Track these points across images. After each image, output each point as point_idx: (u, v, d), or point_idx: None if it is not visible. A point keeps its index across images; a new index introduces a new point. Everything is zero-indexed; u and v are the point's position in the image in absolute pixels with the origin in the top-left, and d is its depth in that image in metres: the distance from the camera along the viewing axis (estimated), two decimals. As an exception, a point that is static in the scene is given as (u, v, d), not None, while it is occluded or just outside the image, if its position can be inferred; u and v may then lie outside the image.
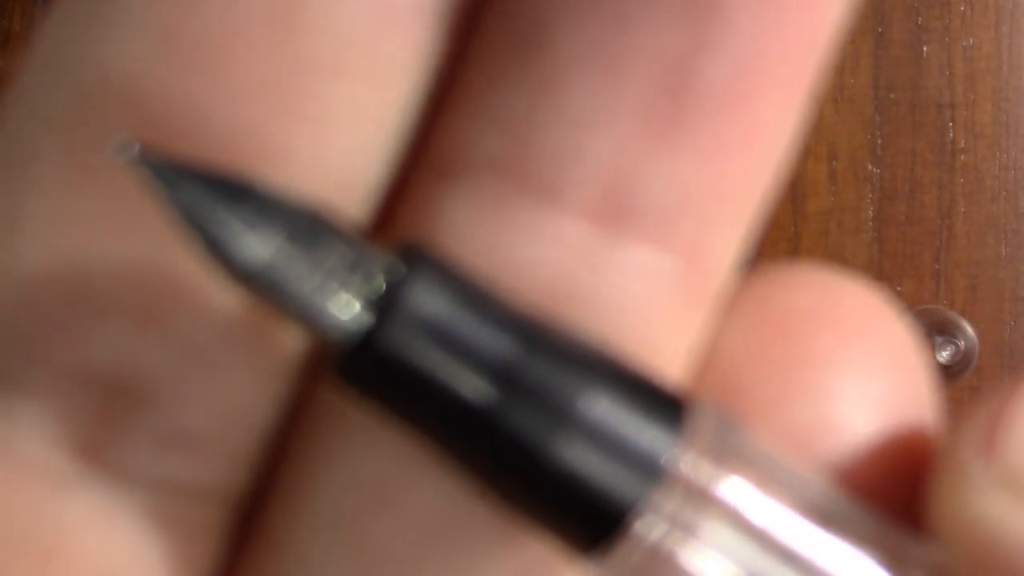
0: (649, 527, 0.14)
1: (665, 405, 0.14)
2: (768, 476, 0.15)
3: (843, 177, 0.47)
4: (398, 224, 0.15)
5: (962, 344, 0.50)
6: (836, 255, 0.51)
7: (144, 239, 0.14)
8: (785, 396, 0.15)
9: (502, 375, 0.14)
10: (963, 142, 0.48)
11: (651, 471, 0.14)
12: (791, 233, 0.50)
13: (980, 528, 0.14)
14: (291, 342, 0.15)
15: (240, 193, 0.13)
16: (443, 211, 0.15)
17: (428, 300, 0.14)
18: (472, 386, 0.14)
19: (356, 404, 0.15)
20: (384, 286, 0.14)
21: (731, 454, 0.14)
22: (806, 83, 0.14)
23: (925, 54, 0.48)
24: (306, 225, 0.14)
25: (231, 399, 0.14)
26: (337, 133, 0.14)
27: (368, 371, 0.14)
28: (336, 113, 0.14)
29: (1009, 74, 0.50)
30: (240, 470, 0.15)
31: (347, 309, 0.14)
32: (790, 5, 0.14)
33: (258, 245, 0.13)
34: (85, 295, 0.14)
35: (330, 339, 0.14)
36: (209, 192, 0.13)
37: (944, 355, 0.51)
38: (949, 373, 0.51)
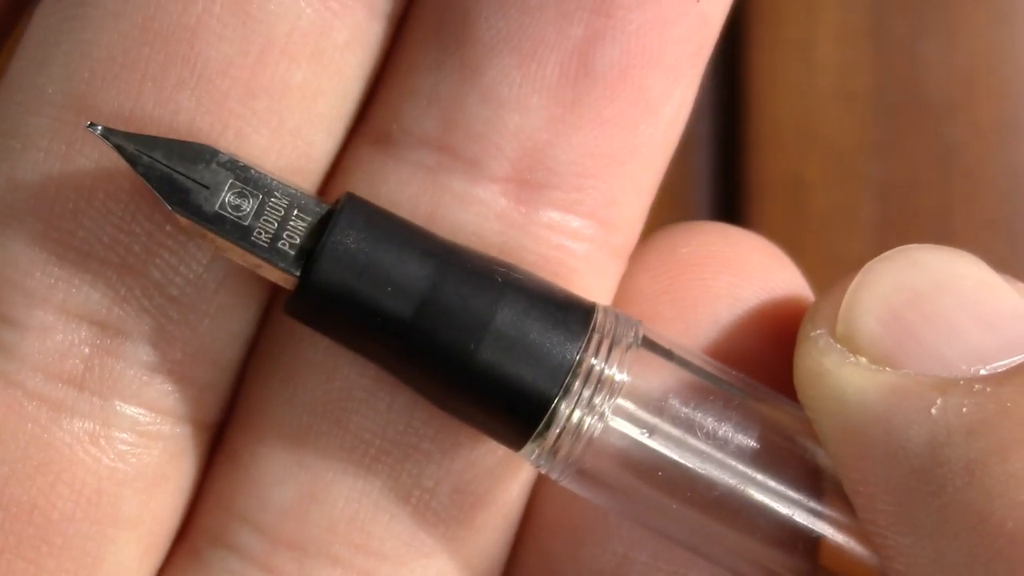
0: (567, 413, 0.17)
1: (572, 308, 0.17)
2: (666, 361, 0.17)
3: (843, 177, 0.47)
4: (340, 189, 0.17)
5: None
6: (836, 255, 0.51)
7: (122, 205, 0.16)
8: (687, 328, 0.18)
9: (424, 295, 0.16)
10: (963, 142, 0.48)
11: (564, 363, 0.16)
12: (791, 233, 0.50)
13: (820, 378, 0.17)
14: (254, 288, 0.17)
15: (191, 157, 0.16)
16: (382, 179, 0.17)
17: (355, 237, 0.16)
18: (398, 307, 0.16)
19: (306, 333, 0.17)
20: (318, 223, 0.16)
21: (631, 344, 0.17)
22: (692, 66, 0.17)
23: (925, 54, 0.48)
24: (248, 180, 0.16)
25: (202, 337, 0.17)
26: (292, 111, 0.17)
27: (309, 304, 0.17)
28: (291, 92, 0.16)
29: (1009, 74, 0.50)
30: (212, 397, 0.17)
31: (285, 251, 0.16)
32: (676, 2, 0.17)
33: (206, 200, 0.16)
34: (76, 249, 0.16)
35: (277, 272, 0.16)
36: (166, 158, 0.16)
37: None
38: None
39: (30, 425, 0.16)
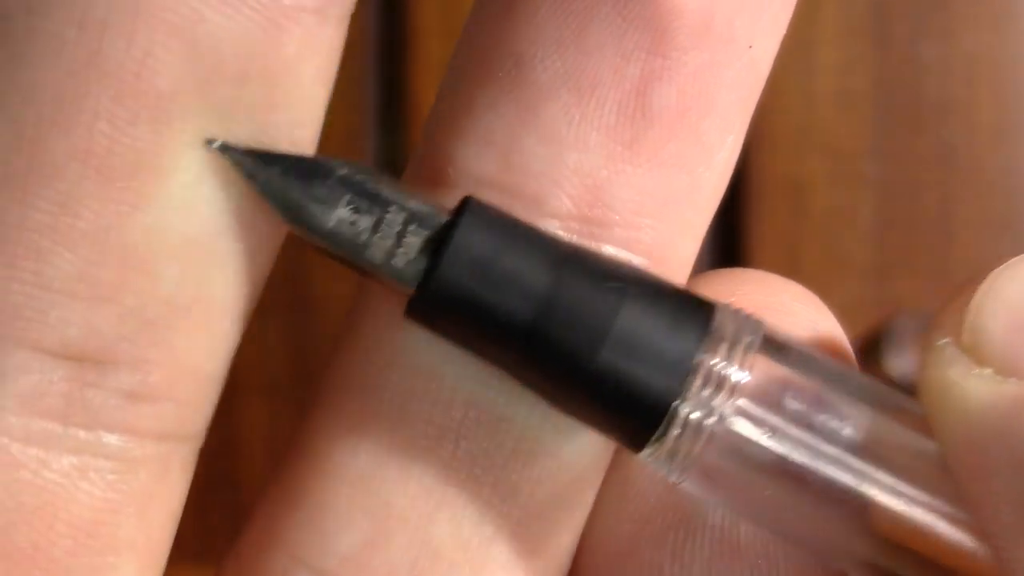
0: (686, 414, 0.16)
1: (692, 308, 0.17)
2: (786, 360, 0.17)
3: (843, 177, 0.47)
4: None
5: (962, 344, 0.50)
6: (836, 255, 0.51)
7: (88, 238, 0.16)
8: None
9: (545, 298, 0.16)
10: (963, 142, 0.48)
11: (683, 365, 0.16)
12: (791, 233, 0.50)
13: (945, 389, 0.17)
14: (230, 298, 0.17)
15: (309, 172, 0.16)
16: None
17: (473, 241, 0.16)
18: (520, 311, 0.16)
19: (371, 383, 0.17)
20: (436, 234, 0.16)
21: (752, 344, 0.17)
22: (743, 112, 0.18)
23: (925, 54, 0.48)
24: (365, 194, 0.16)
25: (180, 355, 0.17)
26: (242, 128, 0.16)
27: (429, 309, 0.17)
28: (243, 108, 0.16)
29: (1009, 74, 0.50)
30: (194, 412, 0.17)
31: (406, 257, 0.16)
32: (728, 46, 0.17)
33: (322, 216, 0.16)
34: (44, 287, 0.16)
35: (394, 286, 0.17)
36: (283, 173, 0.16)
37: (944, 355, 0.51)
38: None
39: (21, 472, 0.16)
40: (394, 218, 0.16)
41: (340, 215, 0.16)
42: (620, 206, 0.17)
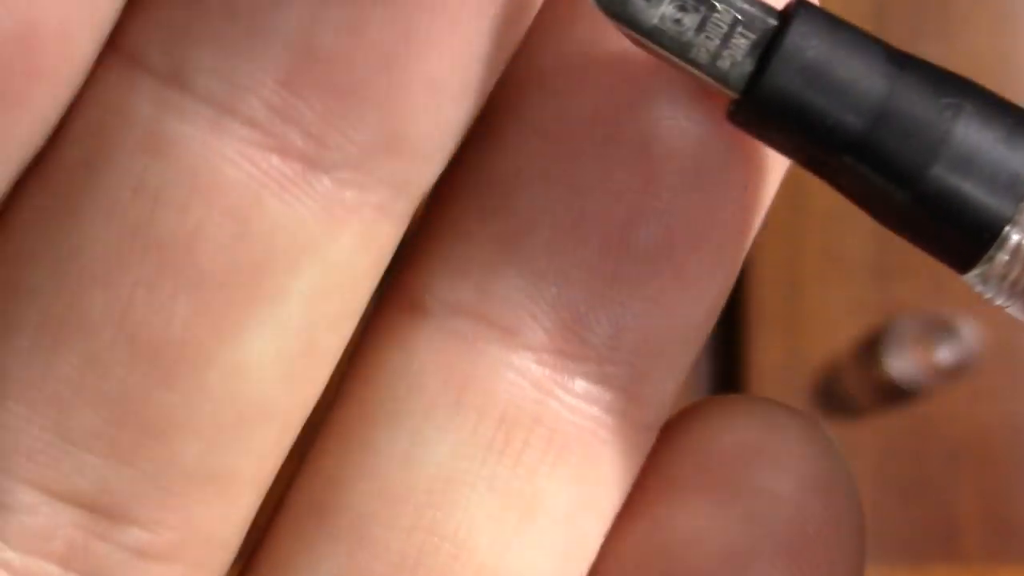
0: (1020, 241, 0.16)
1: None
2: None
3: (843, 177, 0.47)
4: (367, 355, 0.17)
5: (962, 344, 0.50)
6: (836, 255, 0.51)
7: (111, 398, 0.16)
8: (717, 523, 0.18)
9: (879, 109, 0.16)
10: (963, 142, 0.48)
11: (1020, 189, 0.16)
12: (791, 233, 0.50)
13: None
14: (258, 472, 0.17)
15: None
16: (415, 347, 0.17)
17: (805, 45, 0.16)
18: (851, 119, 0.16)
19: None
20: (763, 37, 0.16)
21: None
22: (738, 247, 0.17)
23: (925, 54, 0.48)
24: None
25: (196, 522, 0.16)
26: (293, 315, 0.16)
27: (756, 114, 0.16)
28: (293, 298, 0.16)
29: (1009, 74, 0.50)
30: (205, 572, 0.17)
31: (731, 61, 0.16)
32: (719, 184, 0.17)
33: (645, 11, 0.16)
34: (63, 436, 0.16)
35: (718, 89, 0.16)
36: None
37: (944, 355, 0.51)
38: (948, 374, 0.51)
39: None
40: (721, 18, 0.16)
41: (665, 11, 0.16)
42: (597, 341, 0.17)
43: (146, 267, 0.15)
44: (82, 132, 0.16)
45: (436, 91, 0.16)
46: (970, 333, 0.50)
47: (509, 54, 0.16)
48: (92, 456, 0.16)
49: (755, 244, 0.18)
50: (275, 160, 0.16)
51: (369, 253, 0.16)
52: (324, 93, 0.16)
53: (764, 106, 0.16)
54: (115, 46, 0.15)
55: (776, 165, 0.18)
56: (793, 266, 0.51)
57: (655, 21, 0.16)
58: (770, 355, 0.52)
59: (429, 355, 0.17)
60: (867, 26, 0.16)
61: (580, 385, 0.17)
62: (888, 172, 0.16)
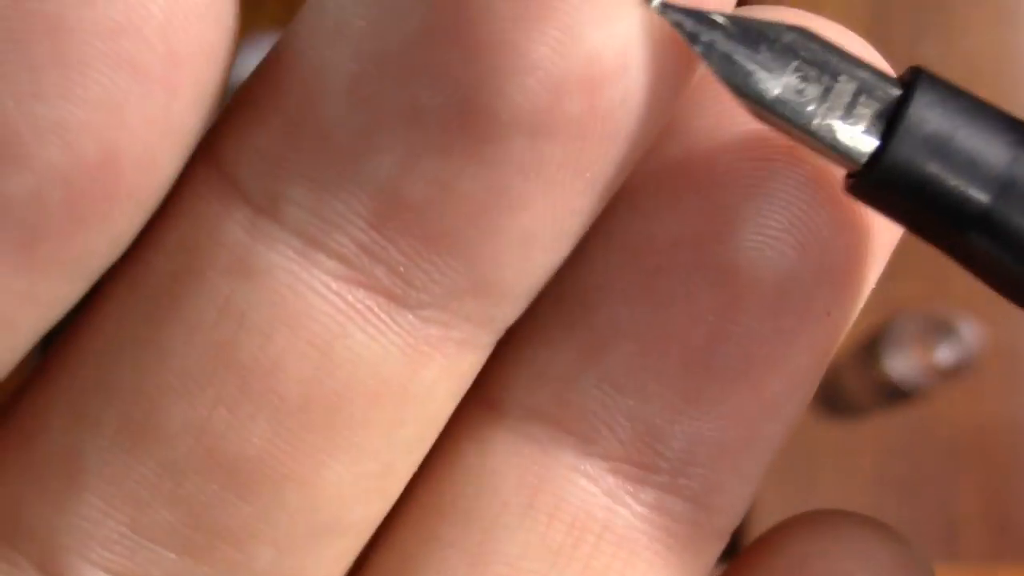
0: None
1: None
2: None
3: (843, 177, 0.47)
4: (443, 450, 0.18)
5: (961, 344, 0.51)
6: (836, 255, 0.51)
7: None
8: None
9: (1004, 179, 0.16)
10: (963, 142, 0.48)
11: None
12: (791, 233, 0.50)
13: None
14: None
15: (755, 35, 0.16)
16: (491, 447, 0.17)
17: (929, 115, 0.16)
18: (976, 191, 0.15)
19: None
20: (887, 107, 0.16)
21: None
22: (816, 369, 0.17)
23: (925, 54, 0.48)
24: (814, 63, 0.16)
25: None
26: (372, 441, 0.17)
27: (879, 187, 0.16)
28: (373, 426, 0.17)
29: (1009, 74, 0.50)
30: None
31: (854, 132, 0.16)
32: (800, 311, 0.17)
33: (767, 83, 0.16)
34: (140, 530, 0.16)
35: (840, 161, 0.16)
36: (727, 36, 0.16)
37: (944, 355, 0.51)
38: (948, 373, 0.51)
39: None
40: (844, 87, 0.16)
41: (787, 82, 0.16)
42: (671, 454, 0.17)
43: (228, 386, 0.16)
44: (175, 245, 0.16)
45: (527, 243, 0.16)
46: (970, 333, 0.50)
47: (606, 202, 0.16)
48: (166, 552, 0.16)
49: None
50: (361, 294, 0.16)
51: (450, 382, 0.17)
52: (412, 237, 0.16)
53: (888, 179, 0.16)
54: (212, 160, 0.16)
55: (861, 291, 0.18)
56: (793, 266, 0.52)
57: (777, 92, 0.16)
58: (770, 355, 0.52)
59: (504, 456, 0.17)
60: (867, 26, 0.16)
61: (652, 495, 0.17)
62: (1015, 245, 0.16)
